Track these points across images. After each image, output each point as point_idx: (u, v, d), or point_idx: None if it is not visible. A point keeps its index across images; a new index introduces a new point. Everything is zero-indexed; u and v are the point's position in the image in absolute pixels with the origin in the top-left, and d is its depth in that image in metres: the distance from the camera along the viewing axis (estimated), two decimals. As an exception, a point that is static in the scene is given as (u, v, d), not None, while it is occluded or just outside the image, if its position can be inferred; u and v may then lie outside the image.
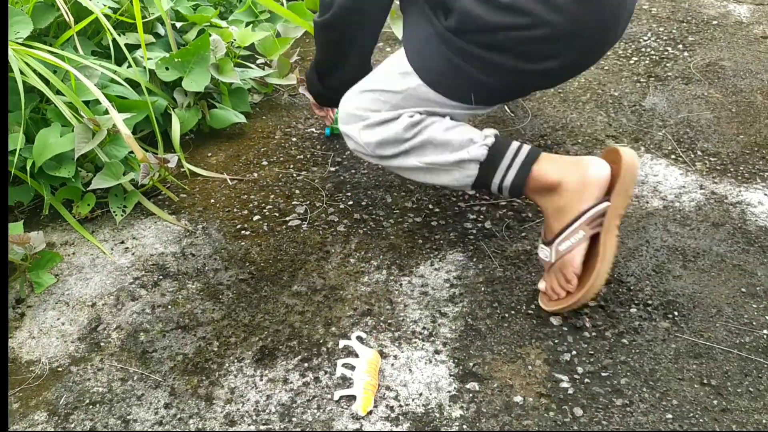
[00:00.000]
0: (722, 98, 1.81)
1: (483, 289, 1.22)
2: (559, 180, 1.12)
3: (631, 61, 1.99)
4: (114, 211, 1.35)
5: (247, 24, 2.03)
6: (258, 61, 1.92)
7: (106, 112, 1.37)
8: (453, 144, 1.16)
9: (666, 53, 2.03)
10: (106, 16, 1.60)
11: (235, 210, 1.41)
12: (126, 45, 1.67)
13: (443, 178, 1.20)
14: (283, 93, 1.85)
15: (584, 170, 1.11)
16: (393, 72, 1.19)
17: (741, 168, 1.53)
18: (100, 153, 1.36)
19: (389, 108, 1.18)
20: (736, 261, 1.26)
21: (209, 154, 1.59)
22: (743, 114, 1.74)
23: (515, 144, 1.17)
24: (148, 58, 1.61)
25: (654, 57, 2.01)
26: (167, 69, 1.59)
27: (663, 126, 1.69)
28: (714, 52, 2.04)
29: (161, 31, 1.75)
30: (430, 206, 1.42)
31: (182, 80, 1.60)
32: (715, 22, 2.24)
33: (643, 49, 2.06)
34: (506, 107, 1.76)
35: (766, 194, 1.44)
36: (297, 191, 1.47)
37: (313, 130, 1.68)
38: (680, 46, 2.08)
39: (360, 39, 1.28)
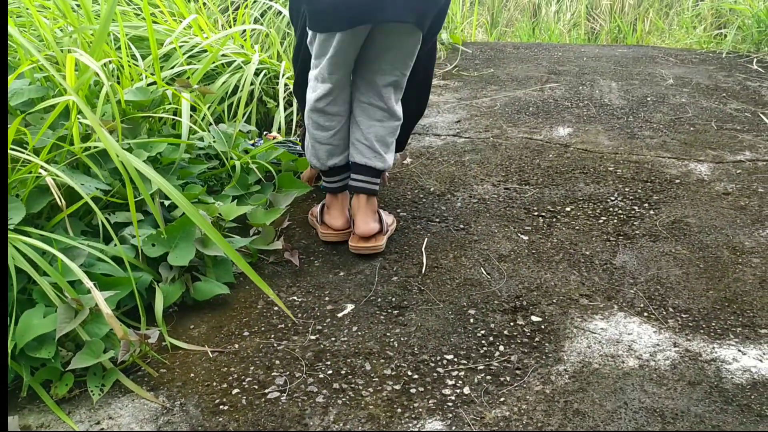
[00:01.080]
0: (689, 254, 1.88)
1: (462, 460, 1.20)
2: None
3: (600, 221, 2.09)
4: (92, 391, 1.35)
5: (237, 198, 2.14)
6: (252, 230, 2.00)
7: (90, 292, 1.41)
8: None
9: (633, 212, 2.14)
10: (97, 198, 1.70)
11: (214, 384, 1.42)
12: (116, 224, 1.75)
13: None
14: (267, 260, 1.91)
15: None
16: None
17: (713, 324, 1.56)
18: (82, 332, 1.39)
19: None
20: (715, 422, 1.26)
21: (191, 326, 1.62)
22: (711, 269, 1.80)
23: None
24: (134, 236, 1.69)
25: (621, 216, 2.11)
26: (153, 245, 1.66)
27: (634, 284, 1.74)
28: (678, 210, 2.15)
29: (150, 208, 1.84)
30: (409, 372, 1.43)
31: (168, 255, 1.66)
32: (677, 181, 2.37)
33: (611, 209, 2.16)
34: (482, 269, 1.82)
35: (739, 350, 1.46)
36: (277, 361, 1.48)
37: (295, 298, 1.72)
38: (646, 204, 2.19)
39: None
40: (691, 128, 2.93)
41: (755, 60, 4.07)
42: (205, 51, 2.79)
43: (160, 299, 1.59)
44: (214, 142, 2.27)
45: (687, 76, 3.77)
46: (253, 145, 2.54)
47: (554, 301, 1.67)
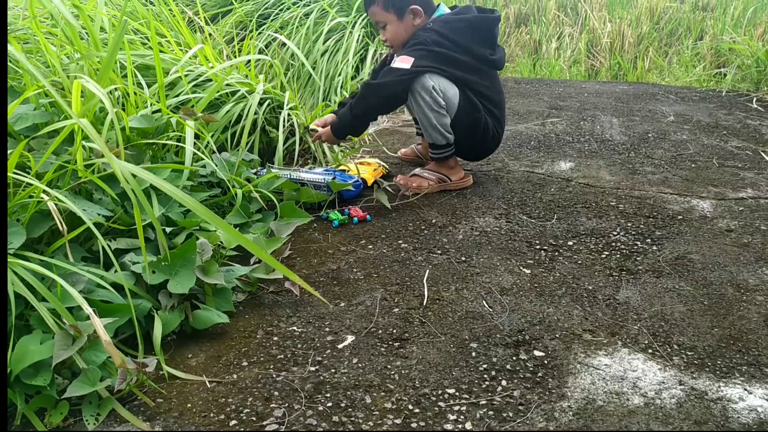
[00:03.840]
0: (693, 291, 1.86)
1: (464, 498, 1.17)
2: None
3: (603, 256, 2.08)
4: (87, 420, 1.32)
5: (239, 226, 2.13)
6: (252, 259, 1.99)
7: (89, 318, 1.39)
8: None
9: (636, 247, 2.13)
10: (99, 224, 1.69)
11: (211, 415, 1.39)
12: (116, 250, 1.74)
13: None
14: (267, 290, 1.89)
15: None
16: None
17: (718, 362, 1.54)
18: (79, 359, 1.36)
19: None
20: (723, 462, 1.23)
21: (190, 355, 1.60)
22: (715, 307, 1.78)
23: None
24: (135, 263, 1.68)
25: (624, 251, 2.10)
26: (154, 272, 1.65)
27: (638, 319, 1.72)
28: (682, 246, 2.14)
29: (151, 235, 1.83)
30: (410, 407, 1.41)
31: (168, 283, 1.65)
32: (680, 217, 2.37)
33: (614, 244, 2.16)
34: (484, 302, 1.81)
35: (746, 389, 1.44)
36: (276, 393, 1.45)
37: (295, 328, 1.70)
38: (648, 240, 2.18)
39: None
40: (693, 165, 2.93)
41: (755, 99, 4.10)
42: (210, 80, 2.81)
43: (159, 327, 1.57)
44: (213, 173, 2.27)
45: (688, 113, 3.80)
46: (255, 174, 2.54)
47: (557, 335, 1.65)
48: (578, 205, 2.47)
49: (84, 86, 1.62)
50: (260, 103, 2.89)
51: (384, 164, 2.85)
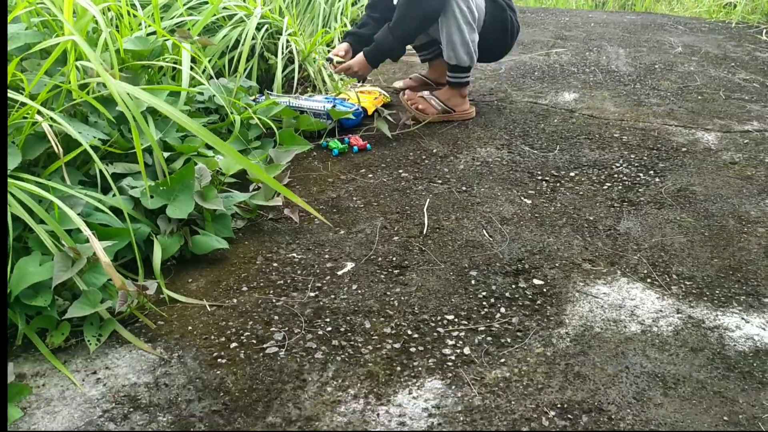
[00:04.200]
0: (695, 222, 1.86)
1: (462, 419, 1.19)
2: None
3: (605, 187, 2.06)
4: (89, 340, 1.34)
5: (240, 151, 2.10)
6: (252, 186, 1.97)
7: (88, 241, 1.38)
8: None
9: (638, 179, 2.11)
10: (96, 147, 1.66)
11: (212, 337, 1.40)
12: (114, 174, 1.72)
13: None
14: (267, 217, 1.88)
15: None
16: None
17: (717, 292, 1.55)
18: (79, 281, 1.36)
19: None
20: (717, 388, 1.25)
21: (190, 280, 1.60)
22: (716, 238, 1.78)
23: None
24: (133, 187, 1.66)
25: (626, 182, 2.09)
26: (152, 197, 1.63)
27: (638, 250, 1.72)
28: (684, 178, 2.12)
29: (149, 160, 1.81)
30: (409, 332, 1.42)
31: (166, 207, 1.64)
32: (684, 149, 2.34)
33: (616, 175, 2.14)
34: (485, 231, 1.80)
35: (743, 318, 1.45)
36: (276, 317, 1.46)
37: (294, 255, 1.70)
38: (651, 172, 2.16)
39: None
40: (699, 97, 2.88)
41: (765, 31, 4.00)
42: (206, 2, 2.72)
43: (159, 251, 1.56)
44: (214, 96, 2.22)
45: (696, 44, 3.71)
46: (253, 101, 2.49)
47: (557, 264, 1.65)
48: (581, 137, 2.44)
49: (76, 3, 1.56)
50: (258, 29, 2.81)
51: (385, 93, 2.80)
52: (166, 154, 1.83)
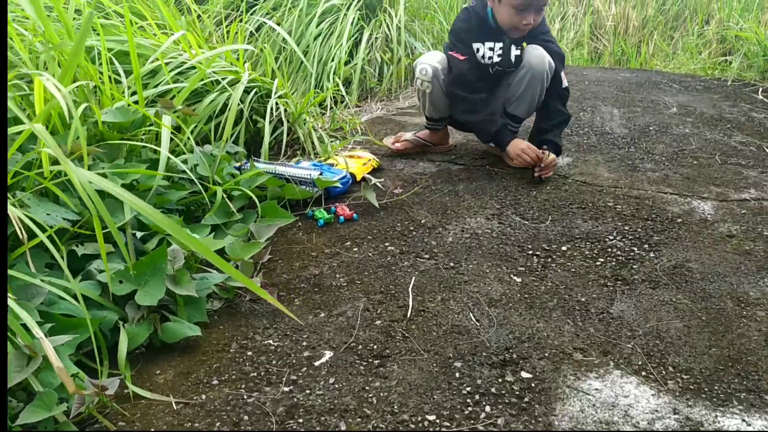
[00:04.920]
0: (691, 305, 1.78)
1: None
2: None
3: (598, 263, 1.99)
4: (40, 448, 1.25)
5: (217, 227, 2.03)
6: (231, 263, 1.89)
7: (48, 334, 1.31)
8: None
9: (632, 254, 2.04)
10: (64, 229, 1.60)
11: (176, 440, 1.31)
12: (84, 256, 1.65)
13: None
14: (245, 298, 1.80)
15: None
16: None
17: (716, 387, 1.46)
18: (34, 381, 1.28)
19: None
20: (717, 507, 1.15)
21: (158, 371, 1.51)
22: (714, 323, 1.70)
23: None
24: (102, 270, 1.59)
25: (620, 258, 2.01)
26: (121, 282, 1.56)
27: (632, 337, 1.64)
28: (680, 253, 2.05)
29: (123, 238, 1.74)
30: (387, 434, 1.33)
31: (136, 292, 1.56)
32: (679, 220, 2.27)
33: (609, 250, 2.06)
34: (471, 314, 1.72)
35: (744, 420, 1.36)
36: (246, 417, 1.37)
37: (271, 342, 1.62)
38: (646, 246, 2.09)
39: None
40: (695, 162, 2.83)
41: (761, 89, 3.99)
42: (194, 68, 2.69)
43: (124, 343, 1.48)
44: (196, 166, 2.17)
45: (691, 104, 3.69)
46: (239, 168, 2.44)
47: (546, 354, 1.57)
48: (574, 206, 2.38)
49: (45, 85, 1.51)
50: (247, 91, 2.78)
51: (375, 157, 2.75)
52: (140, 234, 1.77)
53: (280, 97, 2.92)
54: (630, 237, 2.15)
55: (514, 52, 2.56)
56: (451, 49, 2.62)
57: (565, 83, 2.61)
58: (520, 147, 2.56)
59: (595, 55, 6.10)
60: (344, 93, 3.55)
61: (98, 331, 1.47)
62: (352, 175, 2.56)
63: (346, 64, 3.78)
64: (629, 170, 2.73)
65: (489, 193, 2.49)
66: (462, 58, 2.58)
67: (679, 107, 3.62)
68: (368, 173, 2.63)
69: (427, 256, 2.02)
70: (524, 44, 2.56)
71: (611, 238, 2.14)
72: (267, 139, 2.69)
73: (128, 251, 1.63)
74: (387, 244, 2.10)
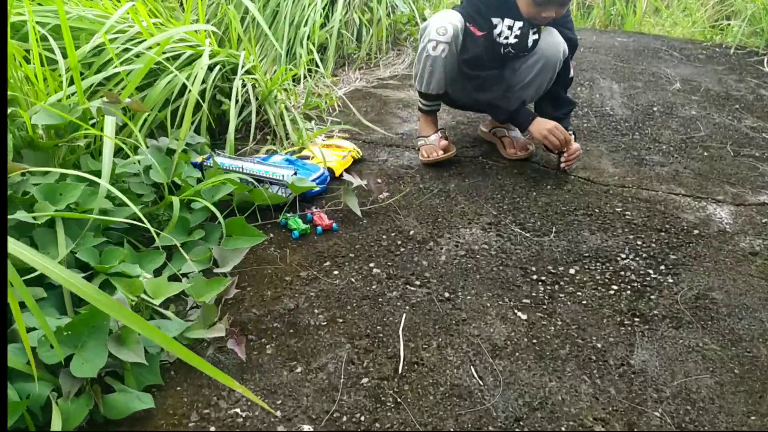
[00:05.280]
0: (720, 352, 1.56)
1: None
2: None
3: (611, 292, 1.75)
4: None
5: (172, 248, 1.74)
6: (191, 300, 1.62)
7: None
8: None
9: (648, 279, 1.81)
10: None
11: None
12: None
13: None
14: (207, 343, 1.54)
15: None
16: None
17: (761, 476, 1.25)
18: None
19: None
20: None
21: (101, 456, 1.25)
22: (748, 378, 1.48)
23: None
24: (32, 329, 1.30)
25: (635, 285, 1.78)
26: (52, 347, 1.28)
27: (659, 400, 1.41)
28: (701, 278, 1.82)
29: (56, 281, 1.45)
30: None
31: (72, 359, 1.28)
32: (696, 231, 2.04)
33: (622, 273, 1.83)
34: (473, 368, 1.48)
35: None
36: None
37: (238, 411, 1.36)
38: (662, 267, 1.86)
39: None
40: (705, 153, 2.59)
41: (766, 60, 3.73)
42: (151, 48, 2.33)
43: (58, 424, 1.21)
44: (149, 169, 1.86)
45: (695, 78, 3.42)
46: (200, 164, 2.13)
47: (563, 429, 1.34)
48: (579, 212, 2.13)
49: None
50: (210, 68, 2.44)
51: (355, 147, 2.45)
52: (81, 274, 1.47)
53: (247, 72, 2.58)
54: (644, 255, 1.91)
55: (532, 36, 2.22)
56: (469, 21, 2.25)
57: (572, 73, 2.32)
58: (545, 127, 2.23)
59: (584, 10, 5.75)
60: (319, 62, 3.20)
61: (25, 413, 1.20)
62: (331, 171, 2.27)
63: (321, 27, 3.41)
64: (635, 164, 2.47)
65: (484, 194, 2.22)
66: (480, 33, 2.23)
67: (682, 82, 3.36)
68: (349, 167, 2.34)
69: (418, 283, 1.77)
70: (542, 26, 2.24)
71: (623, 256, 1.91)
72: (233, 123, 2.37)
73: (68, 298, 1.35)
74: (372, 264, 1.84)
